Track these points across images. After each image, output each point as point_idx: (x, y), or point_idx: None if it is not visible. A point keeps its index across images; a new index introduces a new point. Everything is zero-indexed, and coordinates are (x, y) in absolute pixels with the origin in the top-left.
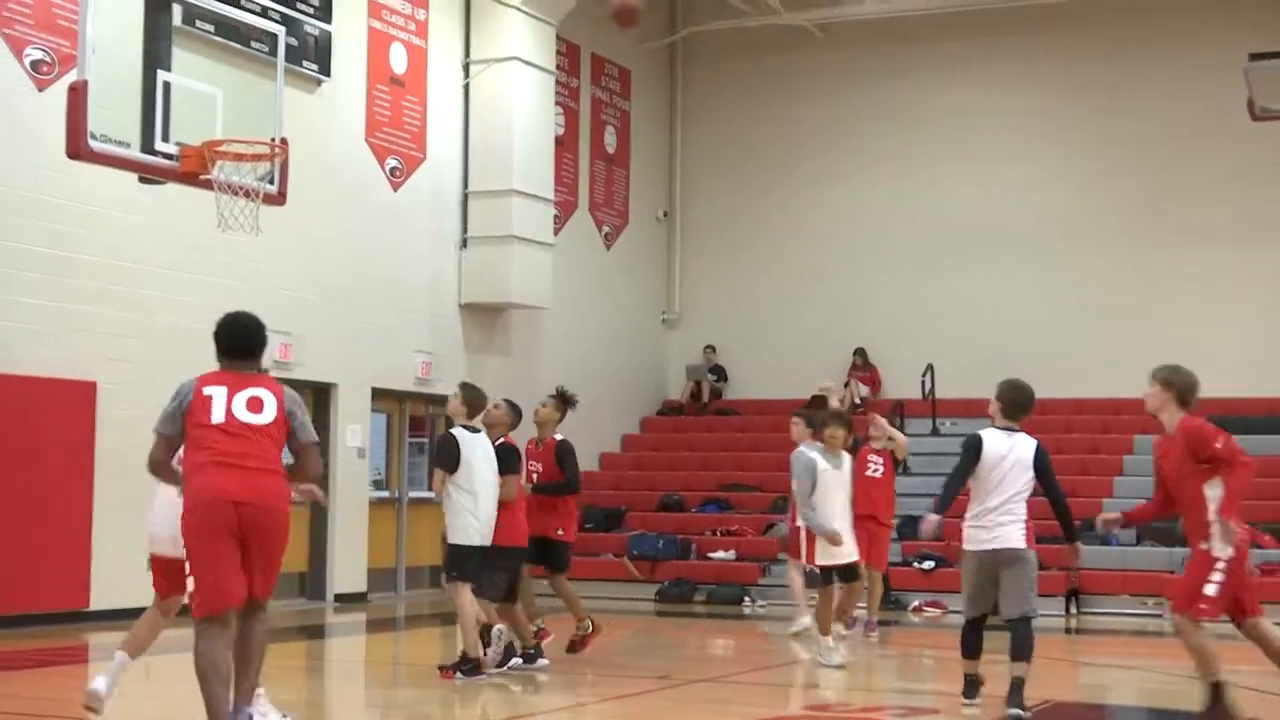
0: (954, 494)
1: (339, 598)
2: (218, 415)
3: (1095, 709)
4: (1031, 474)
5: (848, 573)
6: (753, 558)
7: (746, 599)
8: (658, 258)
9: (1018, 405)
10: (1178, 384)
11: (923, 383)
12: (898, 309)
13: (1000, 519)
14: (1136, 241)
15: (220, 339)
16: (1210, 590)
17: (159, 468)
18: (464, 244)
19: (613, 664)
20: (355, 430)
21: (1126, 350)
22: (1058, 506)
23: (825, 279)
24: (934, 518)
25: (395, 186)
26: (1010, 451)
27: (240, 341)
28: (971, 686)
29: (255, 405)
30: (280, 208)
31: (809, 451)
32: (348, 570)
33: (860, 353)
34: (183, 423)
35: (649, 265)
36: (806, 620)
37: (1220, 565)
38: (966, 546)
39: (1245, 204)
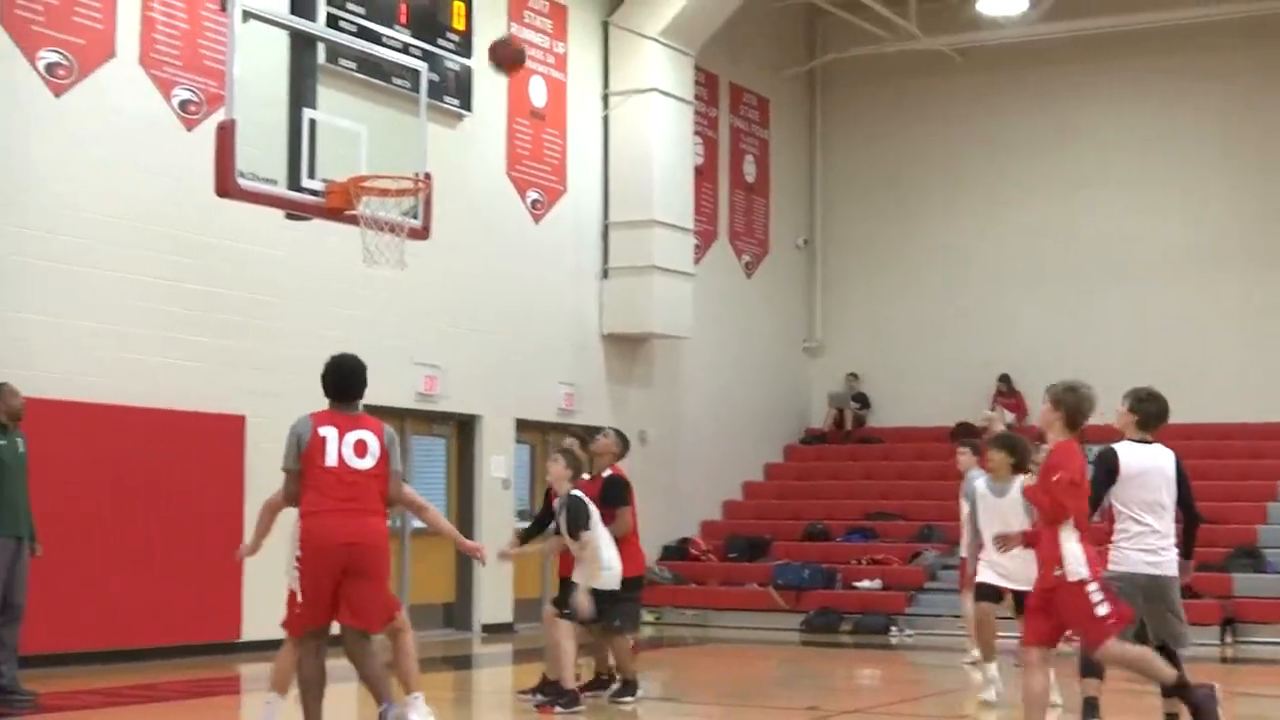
0: (1090, 518)
1: (486, 628)
2: (331, 459)
3: None
4: (1175, 488)
5: (992, 594)
6: (899, 587)
7: (893, 628)
8: (798, 285)
9: (1156, 416)
10: (1067, 404)
11: None
12: (1042, 334)
13: (1165, 541)
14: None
15: (327, 383)
16: (1102, 610)
17: (293, 500)
18: (605, 275)
19: (760, 694)
20: (499, 461)
21: (1277, 375)
22: (1192, 522)
23: (967, 304)
24: None
25: (536, 219)
26: (1154, 464)
27: (346, 385)
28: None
29: (361, 450)
30: (423, 242)
31: (975, 479)
32: (494, 601)
33: (1004, 379)
34: (302, 461)
35: (790, 293)
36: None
37: (1091, 586)
38: (1117, 568)
39: None
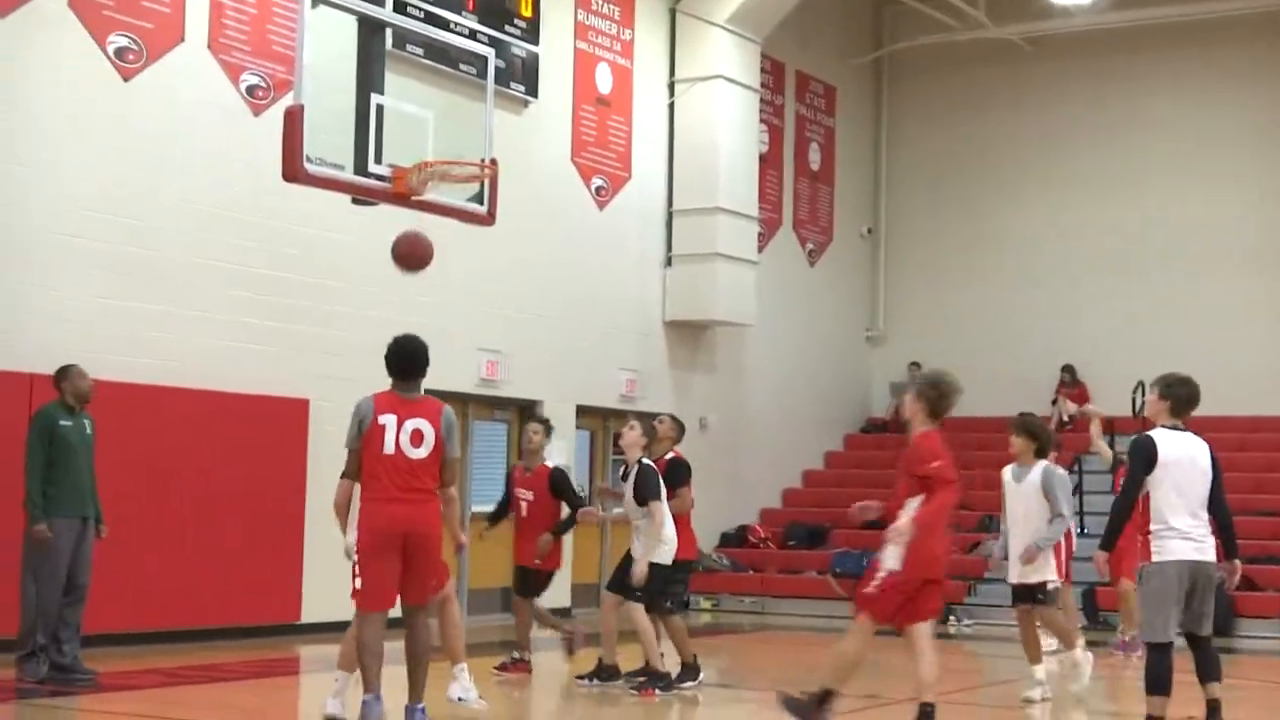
0: (1128, 512)
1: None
2: (389, 447)
3: None
4: (1210, 478)
5: (1023, 594)
6: (958, 576)
7: (952, 618)
8: (862, 274)
9: (1186, 400)
10: (929, 396)
11: (1133, 400)
12: (1106, 324)
13: (1204, 529)
14: None
15: (390, 362)
16: (869, 590)
17: (354, 475)
18: (669, 262)
19: (817, 683)
20: (559, 447)
21: None
22: (1226, 516)
23: (1032, 294)
24: (1102, 556)
25: (601, 205)
26: (1189, 453)
27: (407, 365)
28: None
29: (417, 439)
30: (488, 227)
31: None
32: (551, 586)
33: (1068, 369)
34: (362, 442)
35: (853, 282)
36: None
37: (881, 574)
38: (1164, 557)
39: None
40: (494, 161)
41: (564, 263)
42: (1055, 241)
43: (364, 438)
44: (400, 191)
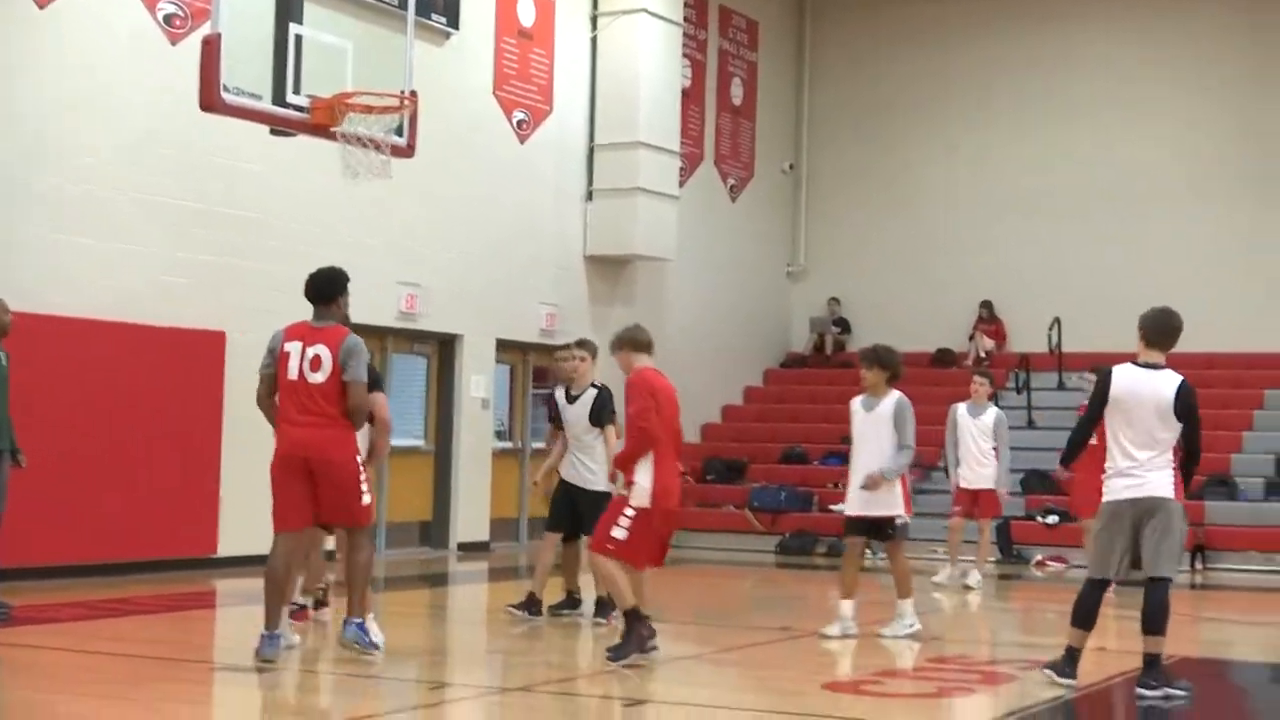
0: (1079, 436)
1: (461, 547)
2: (292, 373)
3: (1218, 665)
4: (1172, 416)
5: (862, 527)
6: None
7: (868, 551)
8: (783, 210)
9: (1158, 332)
10: (626, 339)
11: (1049, 336)
12: (1026, 262)
13: (1151, 467)
14: (1277, 195)
15: (305, 289)
16: (618, 534)
17: (261, 404)
18: (590, 196)
19: (734, 615)
20: (479, 381)
21: (1262, 305)
22: (1188, 458)
23: (953, 231)
24: (1059, 470)
25: (522, 139)
26: (1148, 389)
27: (315, 290)
28: (1070, 661)
29: (316, 364)
30: (408, 160)
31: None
32: (470, 520)
33: (987, 305)
34: (275, 368)
35: (774, 218)
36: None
37: (629, 511)
38: (1106, 497)
39: None
40: (414, 94)
41: (485, 196)
42: (976, 179)
43: (275, 363)
44: (319, 122)
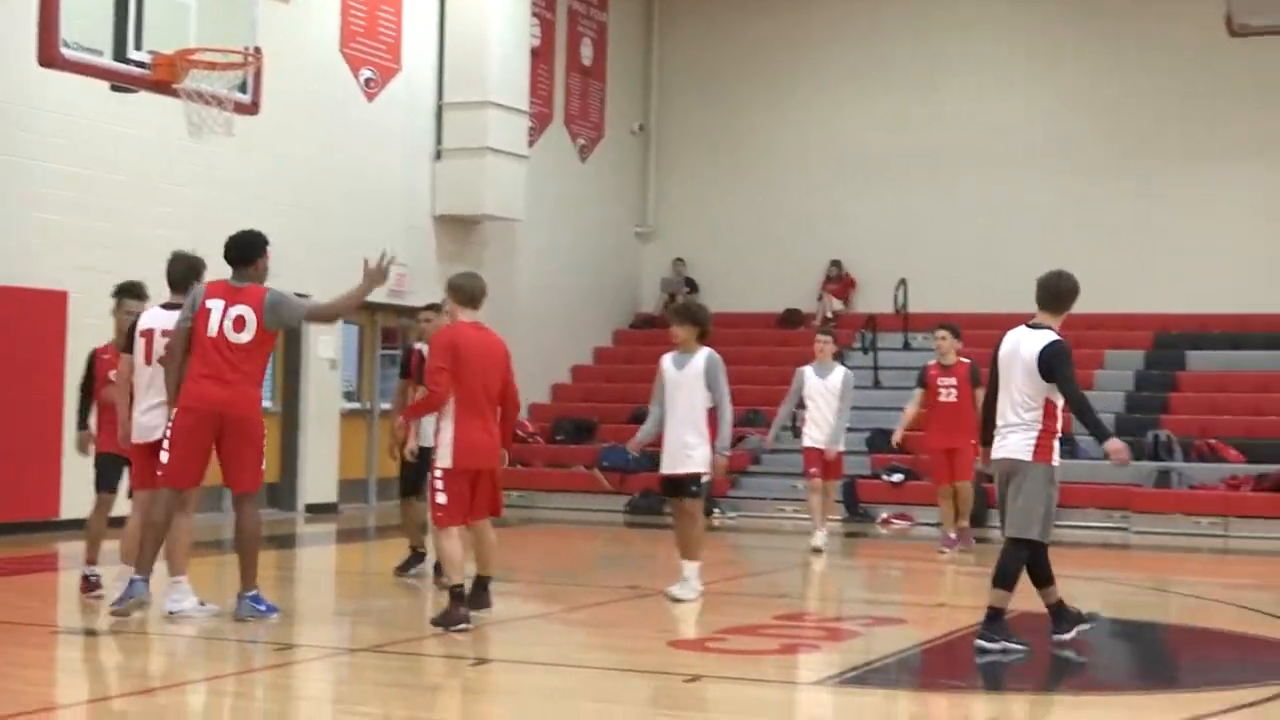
0: (987, 412)
1: (309, 508)
2: (212, 329)
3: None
4: (1038, 375)
5: (676, 487)
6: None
7: (716, 510)
8: (633, 171)
9: (1048, 293)
10: (458, 287)
11: (895, 297)
12: (875, 223)
13: (1016, 425)
14: (1124, 160)
15: (225, 251)
16: (440, 499)
17: (172, 359)
18: (438, 155)
19: (582, 574)
20: (327, 342)
21: (1107, 268)
22: (1075, 407)
23: (802, 192)
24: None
25: (370, 97)
26: (1024, 348)
27: (231, 254)
28: (992, 620)
29: (240, 325)
30: (253, 118)
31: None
32: (318, 481)
33: (836, 264)
34: (192, 323)
35: (624, 178)
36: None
37: (438, 473)
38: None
39: (1237, 124)
40: (259, 51)
41: (332, 155)
42: (826, 140)
43: (194, 319)
44: (161, 79)
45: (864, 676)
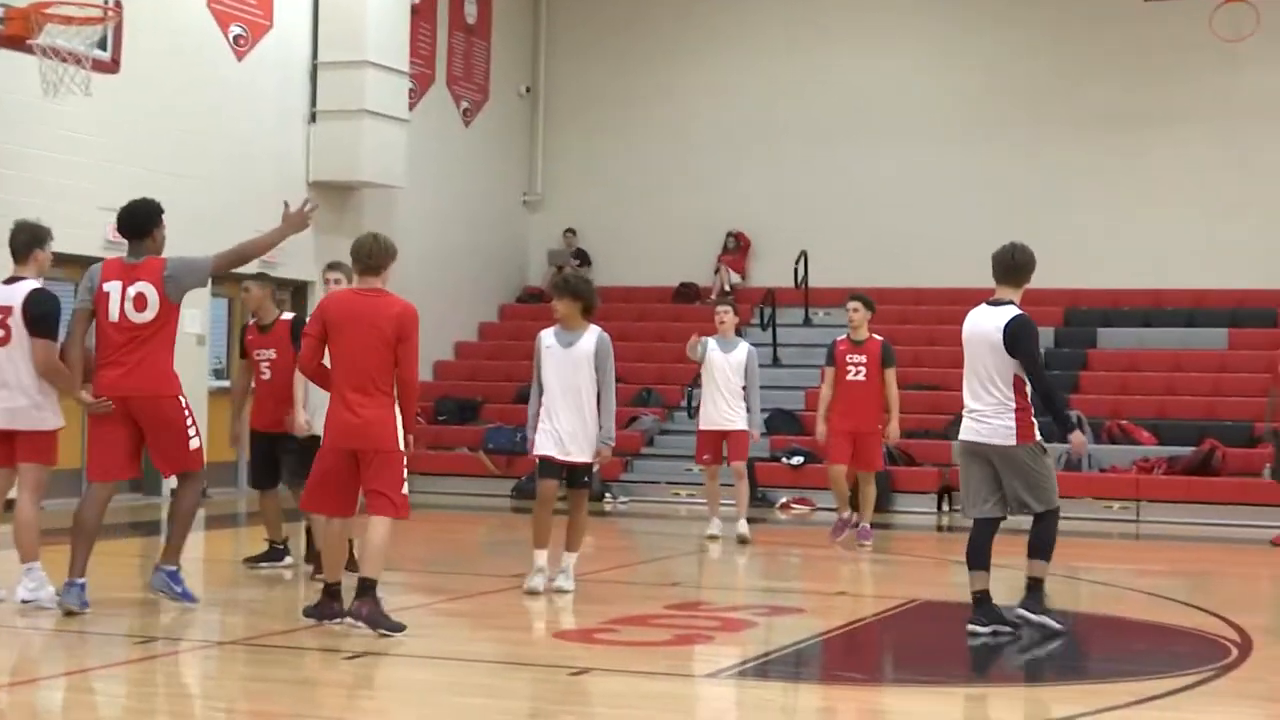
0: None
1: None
2: (113, 314)
3: (962, 608)
4: (1003, 352)
5: (568, 474)
6: (615, 452)
7: (608, 495)
8: (520, 135)
9: (1002, 268)
10: (352, 249)
11: (795, 270)
12: (773, 191)
13: (989, 407)
14: (1030, 127)
15: (118, 223)
16: (310, 480)
17: (73, 347)
18: (313, 118)
19: (466, 563)
20: (194, 316)
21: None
22: (1041, 391)
23: (699, 160)
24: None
25: (239, 56)
26: (987, 325)
27: (126, 224)
28: (979, 604)
29: (140, 303)
30: (113, 76)
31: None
32: None
33: (734, 235)
34: (91, 307)
35: (510, 143)
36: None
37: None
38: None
39: (1144, 89)
40: (119, 4)
41: (200, 117)
42: (722, 104)
43: (94, 303)
44: (14, 34)
45: (761, 668)
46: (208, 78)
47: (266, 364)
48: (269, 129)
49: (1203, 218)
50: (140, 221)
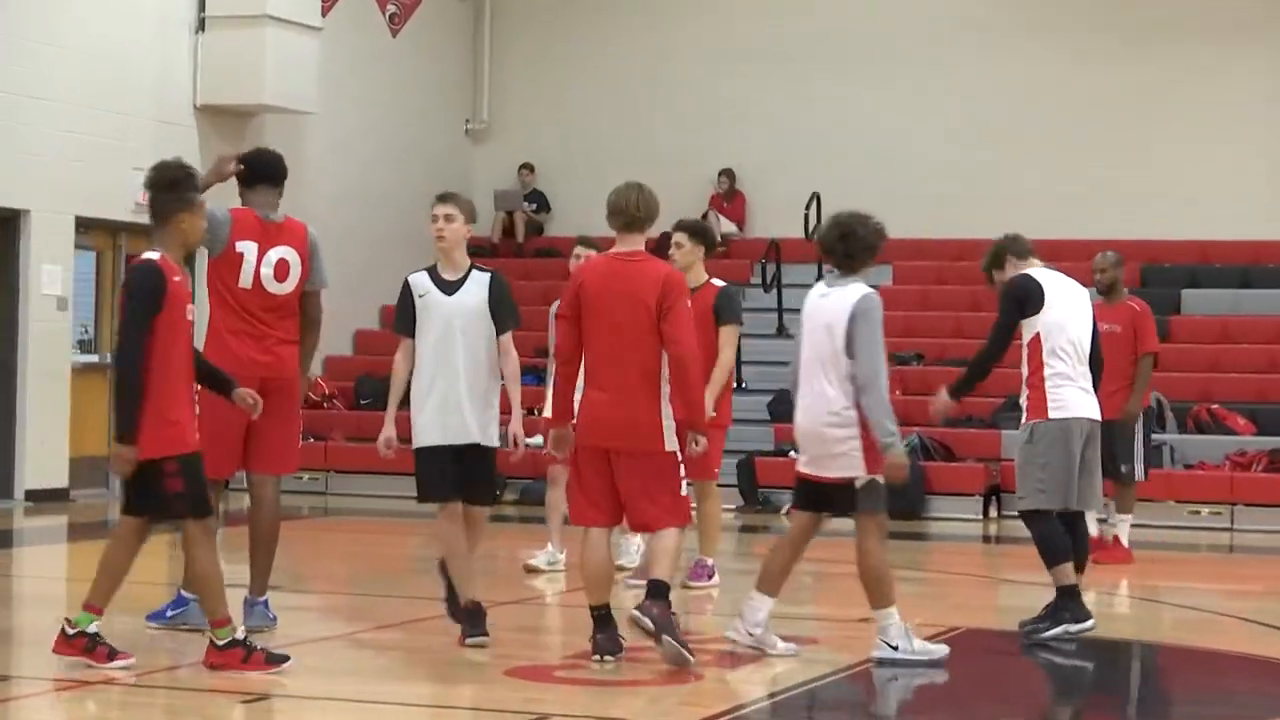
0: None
1: (31, 495)
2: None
3: (1014, 638)
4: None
5: None
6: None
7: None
8: (461, 49)
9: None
10: None
11: (806, 217)
12: (775, 124)
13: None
14: (1099, 34)
15: None
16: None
17: None
18: (201, 26)
19: (393, 583)
20: (53, 273)
21: (1074, 183)
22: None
23: (682, 83)
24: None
25: None
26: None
27: (257, 170)
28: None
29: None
30: None
31: None
32: (43, 460)
33: (727, 174)
34: None
35: (449, 59)
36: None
37: None
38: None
39: None
40: None
41: (59, 26)
42: (710, 19)
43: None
44: None
45: (765, 714)
46: None
47: None
48: (146, 41)
49: None
50: (282, 170)
